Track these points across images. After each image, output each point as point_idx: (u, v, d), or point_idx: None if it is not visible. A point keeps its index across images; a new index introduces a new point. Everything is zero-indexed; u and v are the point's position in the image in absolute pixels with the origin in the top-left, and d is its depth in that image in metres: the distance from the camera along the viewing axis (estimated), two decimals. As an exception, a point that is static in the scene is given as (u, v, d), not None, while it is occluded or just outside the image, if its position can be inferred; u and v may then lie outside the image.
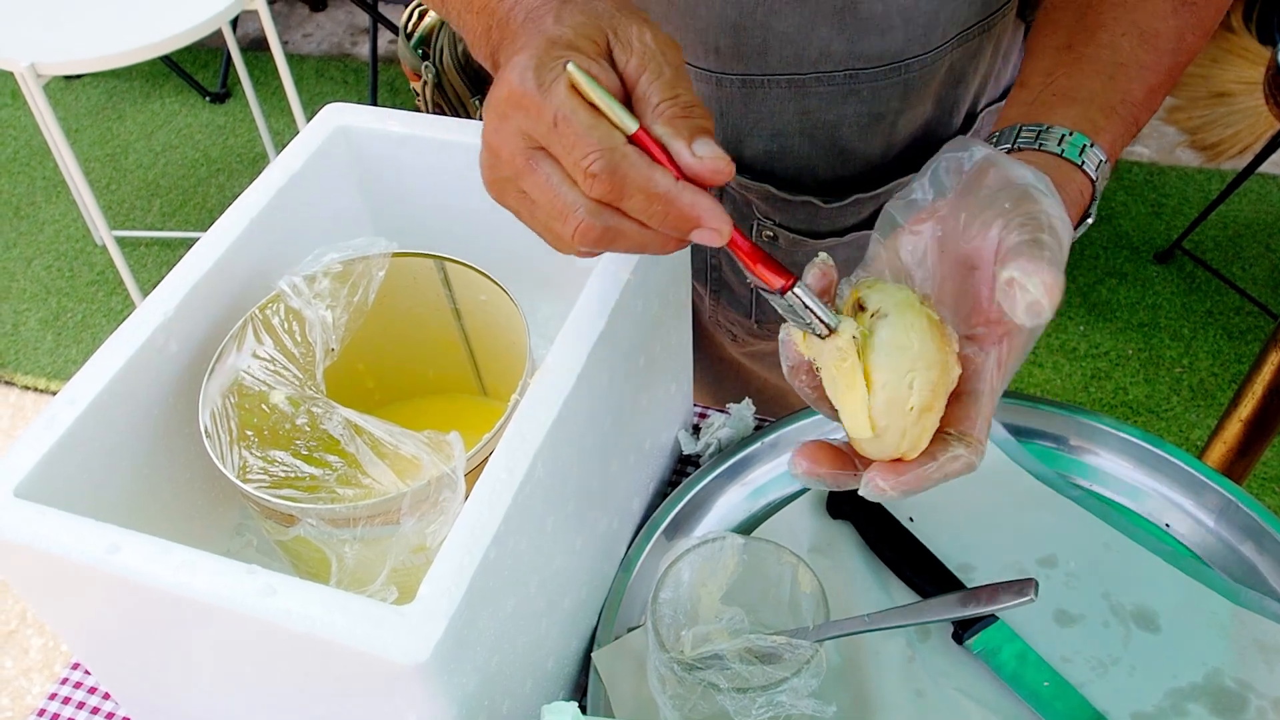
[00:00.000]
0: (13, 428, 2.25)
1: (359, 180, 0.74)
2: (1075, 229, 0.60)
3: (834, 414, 0.52)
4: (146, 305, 0.60)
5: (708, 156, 0.47)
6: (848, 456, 0.52)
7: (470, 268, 0.64)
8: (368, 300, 0.64)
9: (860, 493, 0.51)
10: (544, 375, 0.54)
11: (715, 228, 0.47)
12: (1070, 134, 0.59)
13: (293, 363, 0.61)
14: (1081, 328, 2.19)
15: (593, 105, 0.47)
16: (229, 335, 0.61)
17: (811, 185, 0.82)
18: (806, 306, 0.49)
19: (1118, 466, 0.74)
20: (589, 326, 0.56)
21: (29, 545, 0.50)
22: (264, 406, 0.60)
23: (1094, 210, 0.61)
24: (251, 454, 0.58)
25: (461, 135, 0.70)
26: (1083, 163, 0.59)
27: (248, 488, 0.54)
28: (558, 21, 0.49)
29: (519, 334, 0.62)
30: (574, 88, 0.47)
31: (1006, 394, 0.77)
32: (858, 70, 0.75)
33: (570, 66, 0.47)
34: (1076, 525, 0.71)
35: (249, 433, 0.59)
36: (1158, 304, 2.22)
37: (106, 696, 0.70)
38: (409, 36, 1.48)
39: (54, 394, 2.28)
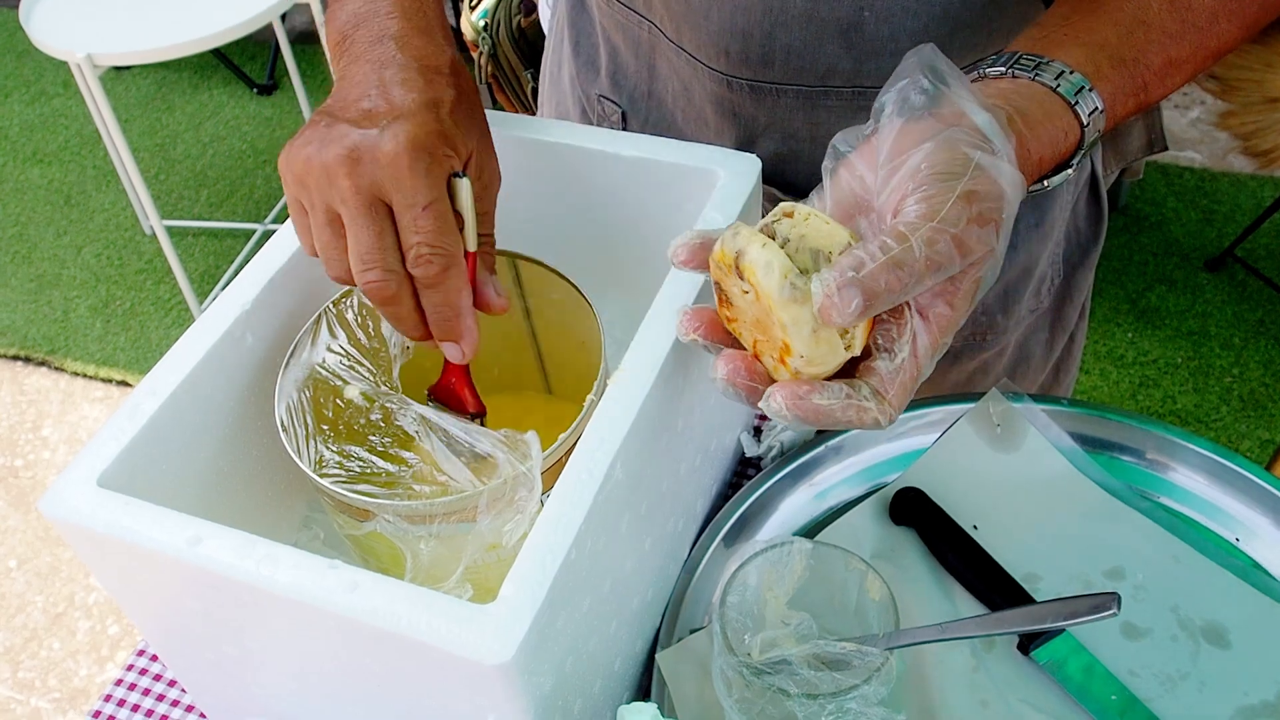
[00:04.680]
0: (63, 413, 2.28)
1: (428, 177, 0.74)
2: (1052, 175, 0.57)
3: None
4: (225, 298, 0.60)
5: (503, 297, 0.61)
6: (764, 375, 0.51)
7: (544, 266, 0.65)
8: (440, 297, 0.64)
9: (760, 406, 0.49)
10: (622, 376, 0.54)
11: (465, 350, 0.59)
12: (1070, 72, 0.56)
13: (367, 357, 0.62)
14: (1130, 335, 2.17)
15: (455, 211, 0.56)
16: (304, 329, 0.62)
17: None
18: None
19: (1186, 479, 0.73)
20: (665, 329, 0.56)
21: (112, 535, 0.51)
22: (338, 401, 0.61)
23: (1076, 162, 0.58)
24: (327, 448, 0.58)
25: (531, 133, 0.70)
26: (1075, 103, 0.56)
27: (325, 482, 0.54)
28: (448, 112, 0.57)
29: (590, 334, 0.62)
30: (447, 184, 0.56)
31: (1073, 403, 0.76)
32: (866, 88, 0.74)
33: (464, 181, 0.56)
34: (1144, 537, 0.70)
35: (324, 427, 0.59)
36: (1208, 312, 2.20)
37: (173, 684, 0.71)
38: (473, 8, 1.51)
39: (103, 380, 2.32)
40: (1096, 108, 0.56)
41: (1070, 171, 0.58)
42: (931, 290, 0.48)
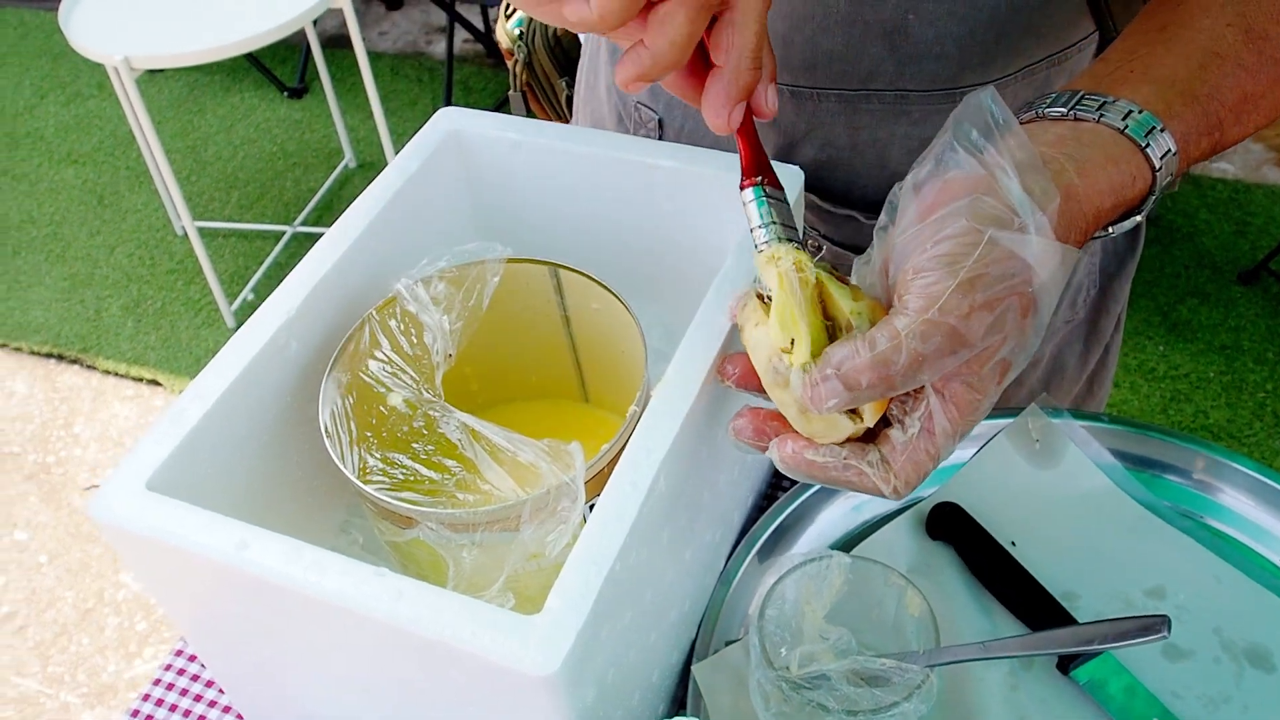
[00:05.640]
0: (94, 411, 2.30)
1: (469, 185, 0.74)
2: (1120, 221, 0.54)
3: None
4: (269, 305, 0.61)
5: (773, 105, 0.52)
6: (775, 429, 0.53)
7: (586, 276, 0.65)
8: (482, 305, 0.64)
9: (768, 454, 0.52)
10: (666, 388, 0.54)
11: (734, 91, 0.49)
12: (1139, 111, 0.52)
13: (410, 364, 0.62)
14: (1161, 348, 2.15)
15: None
16: (347, 336, 0.62)
17: (858, 201, 0.81)
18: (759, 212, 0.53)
19: (1230, 498, 0.72)
20: (709, 341, 0.56)
21: (158, 539, 0.51)
22: (381, 408, 0.61)
23: (1147, 207, 0.54)
24: (371, 455, 0.59)
25: (573, 144, 0.70)
26: (1146, 145, 0.52)
27: (369, 489, 0.54)
28: None
29: (631, 344, 0.62)
30: None
31: (1113, 420, 0.76)
32: (908, 92, 0.73)
33: None
34: (1186, 557, 0.69)
35: (367, 434, 0.59)
36: (1241, 326, 2.18)
37: (210, 684, 0.71)
38: (509, 17, 1.52)
39: (133, 379, 2.34)
40: (1169, 149, 0.53)
41: (1139, 217, 0.54)
42: (948, 372, 0.48)
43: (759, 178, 0.53)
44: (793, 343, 0.49)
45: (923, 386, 0.49)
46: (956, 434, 0.49)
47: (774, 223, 0.52)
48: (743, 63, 0.48)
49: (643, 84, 0.48)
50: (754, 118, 0.53)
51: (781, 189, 0.54)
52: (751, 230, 0.53)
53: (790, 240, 0.52)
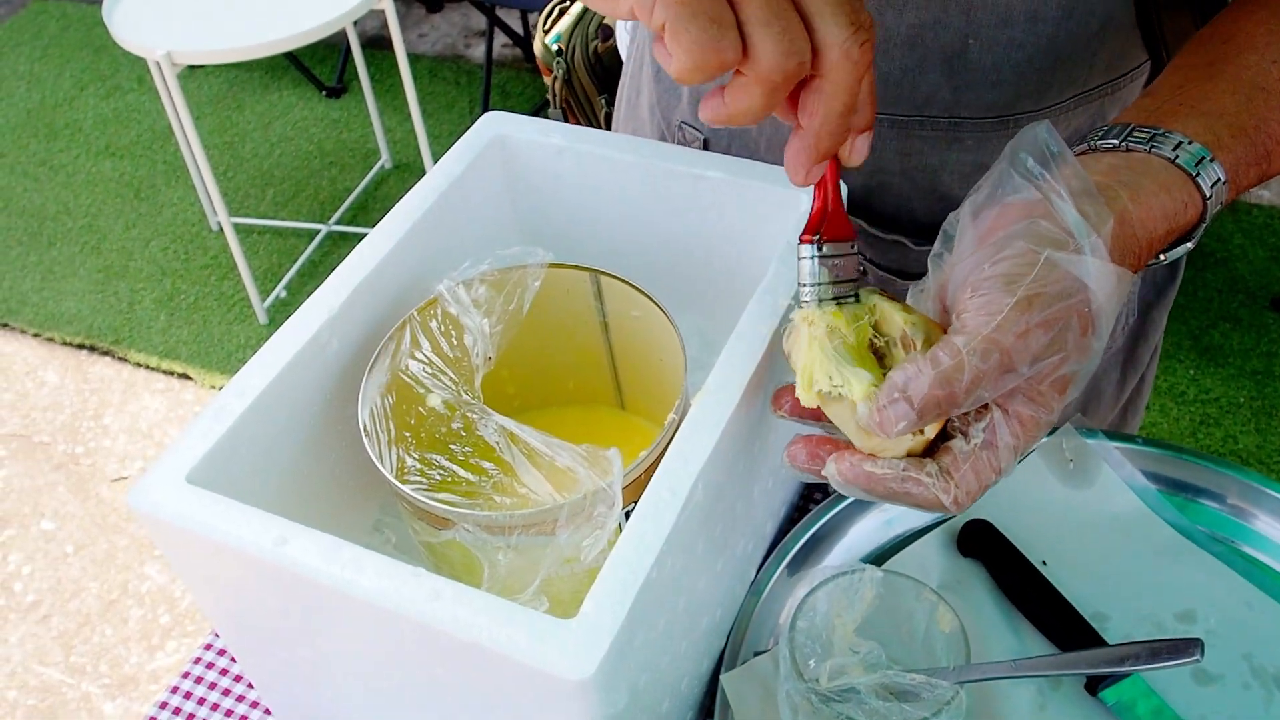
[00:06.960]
0: (124, 403, 2.32)
1: (512, 189, 0.75)
2: (1172, 249, 0.55)
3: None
4: (311, 303, 0.61)
5: (861, 154, 0.51)
6: (829, 452, 0.53)
7: (627, 283, 0.65)
8: (522, 309, 0.65)
9: (824, 473, 0.52)
10: (706, 397, 0.54)
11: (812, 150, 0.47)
12: (1189, 143, 0.54)
13: (450, 366, 0.62)
14: (1191, 371, 2.14)
15: None
16: (387, 336, 0.62)
17: (907, 226, 0.81)
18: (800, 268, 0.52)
19: (1263, 524, 0.72)
20: (750, 351, 0.56)
21: (198, 532, 0.52)
22: (420, 409, 0.62)
23: (1198, 235, 0.55)
24: (409, 456, 0.59)
25: (618, 151, 0.70)
26: (1197, 174, 0.54)
27: (407, 489, 0.55)
28: None
29: (670, 352, 0.62)
30: None
31: (1147, 442, 0.75)
32: (963, 119, 0.73)
33: None
34: (1217, 581, 0.69)
35: (406, 434, 0.60)
36: (1273, 352, 2.16)
37: (239, 679, 0.72)
38: (546, 32, 1.52)
39: (164, 373, 2.36)
40: (1219, 179, 0.54)
41: (1190, 245, 0.56)
42: (1009, 389, 0.48)
43: (818, 235, 0.52)
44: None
45: (986, 403, 0.49)
46: (1020, 448, 0.49)
47: (820, 284, 0.52)
48: (825, 129, 0.47)
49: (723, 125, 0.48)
50: (840, 166, 0.52)
51: (851, 238, 0.53)
52: (799, 285, 0.53)
53: (841, 299, 0.52)
